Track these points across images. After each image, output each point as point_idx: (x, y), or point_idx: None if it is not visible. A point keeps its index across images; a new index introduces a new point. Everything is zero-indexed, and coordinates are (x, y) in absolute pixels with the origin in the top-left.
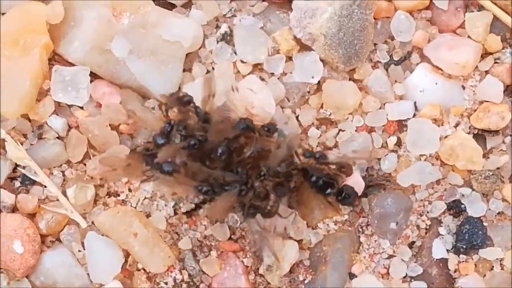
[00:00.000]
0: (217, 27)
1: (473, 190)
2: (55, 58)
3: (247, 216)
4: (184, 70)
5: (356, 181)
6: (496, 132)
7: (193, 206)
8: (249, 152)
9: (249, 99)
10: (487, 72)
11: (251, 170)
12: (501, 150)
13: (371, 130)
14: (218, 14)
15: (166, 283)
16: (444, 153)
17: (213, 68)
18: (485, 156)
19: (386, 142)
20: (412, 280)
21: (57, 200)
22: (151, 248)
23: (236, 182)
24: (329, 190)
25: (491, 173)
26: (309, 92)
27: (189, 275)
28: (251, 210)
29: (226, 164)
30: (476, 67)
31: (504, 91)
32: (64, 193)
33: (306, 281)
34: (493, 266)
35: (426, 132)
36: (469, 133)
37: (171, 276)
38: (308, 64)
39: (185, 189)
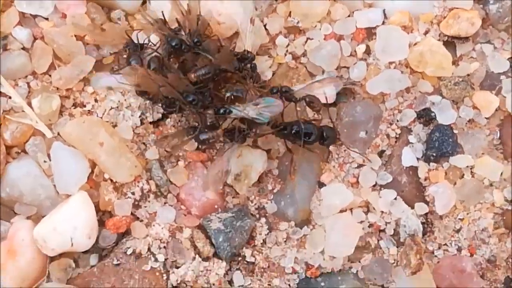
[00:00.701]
0: None
1: (443, 97)
2: None
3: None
4: None
5: (328, 90)
6: (466, 38)
7: (159, 115)
8: (228, 94)
9: (216, 7)
10: None
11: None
12: (471, 57)
13: (339, 38)
14: None
15: (133, 193)
16: (413, 60)
17: None
18: (455, 63)
19: (355, 51)
20: (382, 188)
21: (22, 111)
22: (117, 158)
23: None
24: (309, 139)
25: (461, 80)
26: (277, 0)
27: (156, 185)
28: (191, 131)
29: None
30: None
31: None
32: (29, 104)
33: (275, 191)
34: (463, 174)
35: (395, 39)
36: (439, 40)
37: (138, 186)
38: None
39: (150, 85)
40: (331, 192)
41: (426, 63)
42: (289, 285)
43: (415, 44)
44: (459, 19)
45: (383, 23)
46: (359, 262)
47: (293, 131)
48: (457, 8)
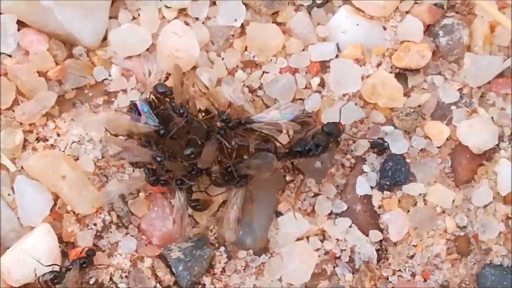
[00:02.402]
0: None
1: (395, 127)
2: None
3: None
4: (110, 17)
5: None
6: (417, 70)
7: (120, 149)
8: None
9: (173, 42)
10: (407, 12)
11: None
12: (423, 88)
13: (294, 71)
14: None
15: (95, 225)
16: (366, 92)
17: (138, 15)
18: (407, 94)
19: (309, 83)
20: (337, 216)
21: None
22: (79, 190)
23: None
24: (320, 148)
25: (412, 110)
26: (233, 35)
27: (118, 216)
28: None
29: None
30: (397, 8)
31: (424, 31)
32: None
33: None
34: (416, 202)
35: (348, 72)
36: (391, 72)
37: (99, 217)
38: (231, 7)
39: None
40: (287, 221)
41: (378, 95)
42: None
43: (368, 76)
44: (410, 51)
45: (337, 56)
46: None
47: (307, 148)
48: (408, 41)
